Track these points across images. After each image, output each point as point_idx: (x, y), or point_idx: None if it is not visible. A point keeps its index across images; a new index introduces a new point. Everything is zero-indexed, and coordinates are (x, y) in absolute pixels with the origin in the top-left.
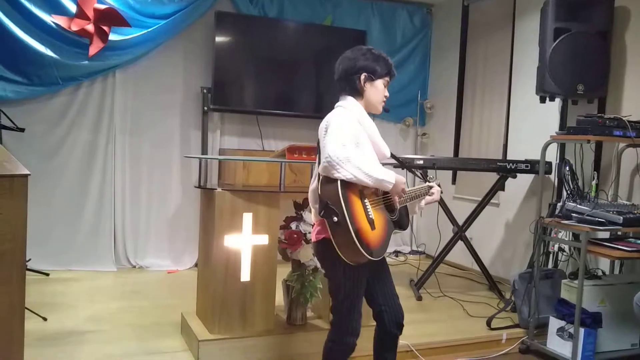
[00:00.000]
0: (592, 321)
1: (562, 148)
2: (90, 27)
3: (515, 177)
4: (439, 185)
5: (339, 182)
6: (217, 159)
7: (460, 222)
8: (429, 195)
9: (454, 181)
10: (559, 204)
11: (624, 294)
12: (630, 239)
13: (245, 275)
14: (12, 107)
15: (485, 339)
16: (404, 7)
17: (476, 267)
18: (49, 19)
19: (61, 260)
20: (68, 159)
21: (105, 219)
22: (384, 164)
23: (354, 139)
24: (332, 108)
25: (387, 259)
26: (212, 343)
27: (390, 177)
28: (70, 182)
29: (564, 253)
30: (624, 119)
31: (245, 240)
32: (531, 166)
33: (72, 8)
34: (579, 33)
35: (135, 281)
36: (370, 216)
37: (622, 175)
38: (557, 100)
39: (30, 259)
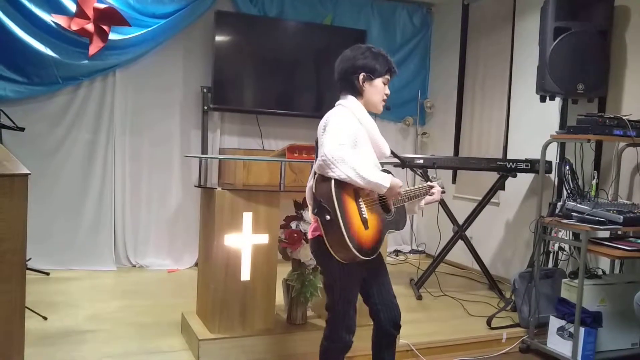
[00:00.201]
0: (592, 320)
1: (562, 147)
2: (90, 27)
3: (515, 176)
4: (442, 186)
5: (333, 181)
6: (217, 158)
7: (461, 221)
8: (430, 195)
9: (454, 180)
10: (559, 203)
11: (624, 294)
12: (630, 238)
13: (245, 275)
14: (12, 106)
15: (486, 339)
16: (404, 6)
17: (476, 267)
18: (48, 18)
19: (61, 260)
20: (68, 158)
21: (105, 218)
22: (383, 163)
23: (352, 138)
24: (332, 107)
25: (387, 258)
26: (212, 342)
27: (385, 181)
28: (71, 181)
29: (564, 252)
30: (624, 118)
31: (245, 240)
32: (531, 165)
33: (72, 7)
34: (579, 32)
35: (135, 280)
36: (364, 215)
37: (622, 174)
38: (557, 100)
39: (30, 258)
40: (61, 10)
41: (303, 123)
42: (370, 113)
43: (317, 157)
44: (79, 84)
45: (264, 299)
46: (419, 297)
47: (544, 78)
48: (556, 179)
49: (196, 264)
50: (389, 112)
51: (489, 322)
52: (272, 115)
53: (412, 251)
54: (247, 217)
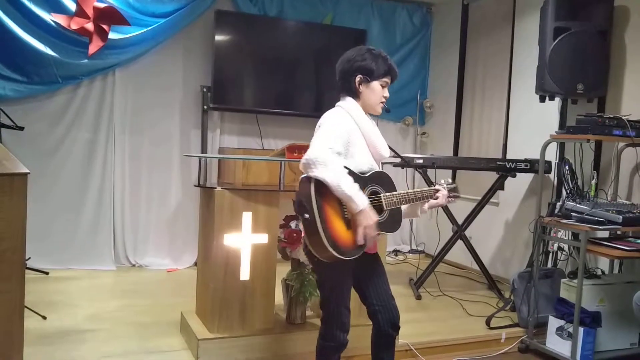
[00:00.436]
0: (591, 320)
1: (561, 147)
2: (89, 26)
3: (514, 176)
4: (455, 190)
5: (314, 180)
6: (216, 157)
7: (460, 221)
8: (434, 199)
9: (453, 180)
10: (559, 203)
11: (623, 294)
12: (629, 239)
13: (244, 274)
14: (12, 105)
15: (485, 338)
16: (404, 6)
17: (475, 266)
18: (48, 17)
19: (61, 259)
20: (68, 158)
21: (104, 217)
22: (384, 163)
23: (343, 141)
24: (332, 107)
25: (387, 258)
26: (211, 342)
27: (361, 202)
28: (70, 180)
29: (564, 252)
30: (623, 118)
31: (244, 239)
32: (531, 165)
33: (72, 6)
34: (579, 32)
35: (134, 280)
36: (347, 215)
37: (621, 174)
38: (557, 100)
39: (29, 258)
40: (61, 9)
41: (303, 123)
42: (372, 115)
43: None
44: (78, 83)
45: (264, 298)
46: (418, 297)
47: (544, 78)
48: (555, 179)
49: (195, 264)
50: (389, 113)
51: (488, 322)
52: (272, 114)
53: (412, 251)
54: (247, 217)
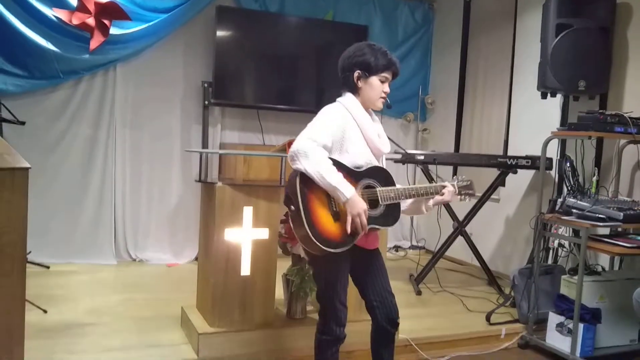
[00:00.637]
0: (591, 317)
1: (563, 144)
2: (91, 21)
3: (515, 172)
4: (467, 186)
5: (299, 173)
6: (217, 152)
7: (461, 217)
8: (440, 195)
9: (454, 176)
10: (560, 200)
11: (624, 290)
12: (630, 235)
13: (245, 269)
14: (13, 100)
15: (485, 334)
16: (406, 2)
17: (476, 263)
18: (49, 12)
19: (61, 253)
20: (69, 153)
21: (105, 212)
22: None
23: (331, 135)
24: (332, 102)
25: (387, 254)
26: (212, 336)
27: (347, 191)
28: (71, 175)
29: (564, 249)
30: (625, 115)
31: (245, 234)
32: (532, 162)
33: (73, 1)
34: (581, 29)
35: (135, 274)
36: (334, 208)
37: (622, 171)
38: (559, 96)
39: (30, 252)
40: (62, 4)
41: (304, 118)
42: (375, 110)
43: None
44: (79, 78)
45: (264, 293)
46: (419, 293)
47: (546, 75)
48: (557, 175)
49: (196, 259)
50: (390, 109)
51: (488, 318)
52: (273, 110)
53: (412, 247)
54: (248, 212)
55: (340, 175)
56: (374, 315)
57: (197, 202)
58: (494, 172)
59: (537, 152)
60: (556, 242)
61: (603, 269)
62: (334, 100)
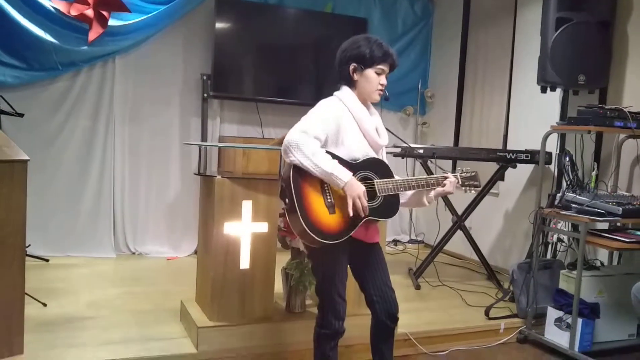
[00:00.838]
0: (589, 312)
1: (562, 138)
2: (89, 12)
3: (515, 167)
4: (471, 177)
5: (292, 165)
6: (216, 146)
7: (460, 211)
8: (441, 186)
9: (453, 170)
10: (559, 195)
11: (622, 285)
12: (629, 230)
13: (244, 263)
14: (11, 92)
15: (483, 329)
16: None
17: (475, 257)
18: (48, 3)
19: (60, 246)
20: (67, 145)
21: (104, 205)
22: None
23: (324, 127)
24: (330, 96)
25: (386, 248)
26: (211, 330)
27: (343, 176)
28: (70, 168)
29: (563, 243)
30: (624, 109)
31: (244, 228)
32: (531, 156)
33: None
34: (581, 23)
35: (134, 268)
36: (330, 200)
37: (622, 166)
38: (558, 91)
39: (29, 245)
40: None
41: (303, 111)
42: (374, 103)
43: None
44: (78, 70)
45: (263, 287)
46: (418, 287)
47: (545, 69)
48: (556, 170)
49: (195, 252)
50: (389, 102)
51: (487, 312)
52: (272, 103)
53: (411, 241)
54: (247, 206)
55: (335, 161)
56: (373, 310)
57: (196, 196)
58: (493, 166)
59: (536, 146)
60: (555, 236)
61: (602, 263)
62: (332, 94)
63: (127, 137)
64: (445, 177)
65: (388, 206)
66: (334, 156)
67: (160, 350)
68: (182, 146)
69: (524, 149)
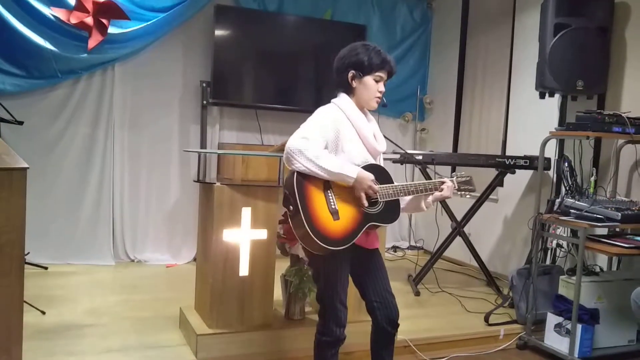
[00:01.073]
0: (589, 317)
1: (561, 144)
2: (89, 20)
3: (514, 172)
4: (467, 182)
5: (295, 172)
6: (216, 152)
7: (459, 217)
8: (439, 191)
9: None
10: (558, 200)
11: (622, 291)
12: (628, 236)
13: (243, 270)
14: (11, 100)
15: (483, 335)
16: (404, 1)
17: (474, 263)
18: (47, 11)
19: (60, 254)
20: (67, 153)
21: (104, 212)
22: (385, 159)
23: (323, 134)
24: (328, 103)
25: (386, 254)
26: (210, 337)
27: (351, 172)
28: (69, 175)
29: (562, 249)
30: (623, 115)
31: (243, 235)
32: (530, 162)
33: (71, 0)
34: (579, 29)
35: (133, 275)
36: (333, 206)
37: (620, 171)
38: (557, 96)
39: (28, 253)
40: (60, 3)
41: (302, 118)
42: (371, 111)
43: None
44: (78, 77)
45: (262, 294)
46: (417, 293)
47: (544, 74)
48: (555, 175)
49: (194, 259)
50: (388, 108)
51: (486, 319)
52: (271, 110)
53: (410, 247)
54: (246, 212)
55: (340, 160)
56: (374, 316)
57: (195, 203)
58: (492, 172)
59: (535, 152)
60: (554, 242)
61: (601, 269)
62: (330, 101)
63: (126, 145)
64: (443, 182)
65: (389, 211)
66: None
67: (159, 358)
68: (182, 153)
69: (522, 155)
